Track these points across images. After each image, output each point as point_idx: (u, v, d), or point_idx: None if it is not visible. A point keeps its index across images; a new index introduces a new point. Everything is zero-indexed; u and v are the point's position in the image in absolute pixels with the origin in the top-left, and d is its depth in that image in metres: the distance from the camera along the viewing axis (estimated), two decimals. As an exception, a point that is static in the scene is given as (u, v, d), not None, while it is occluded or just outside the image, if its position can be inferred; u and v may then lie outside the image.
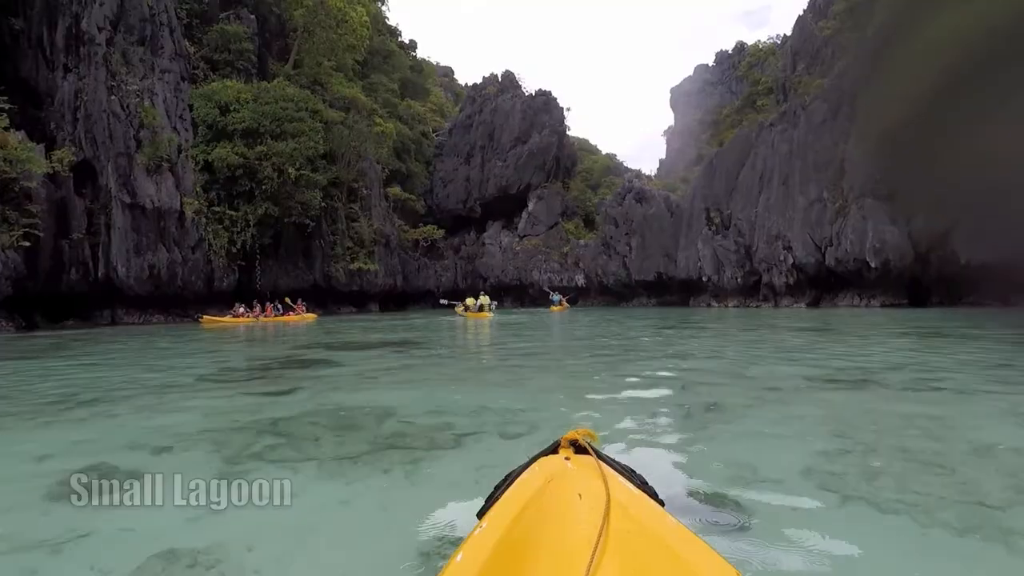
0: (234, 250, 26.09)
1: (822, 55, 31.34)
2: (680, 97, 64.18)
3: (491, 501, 1.30)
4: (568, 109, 45.56)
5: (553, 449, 1.43)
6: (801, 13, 36.30)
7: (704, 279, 28.58)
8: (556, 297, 34.62)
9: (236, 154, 25.02)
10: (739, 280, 27.32)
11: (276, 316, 26.06)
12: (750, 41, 58.72)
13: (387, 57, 59.63)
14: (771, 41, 53.63)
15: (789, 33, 41.55)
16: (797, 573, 1.80)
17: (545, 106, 43.30)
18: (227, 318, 23.70)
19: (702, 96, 59.12)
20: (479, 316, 23.13)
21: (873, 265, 21.59)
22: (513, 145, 42.50)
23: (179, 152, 24.76)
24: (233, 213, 25.96)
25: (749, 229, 26.44)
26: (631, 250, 33.14)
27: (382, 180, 40.34)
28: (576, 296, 38.65)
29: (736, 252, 27.21)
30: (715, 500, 2.36)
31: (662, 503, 1.31)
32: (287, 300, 26.82)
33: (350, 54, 41.84)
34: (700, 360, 7.88)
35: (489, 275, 42.62)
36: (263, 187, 26.02)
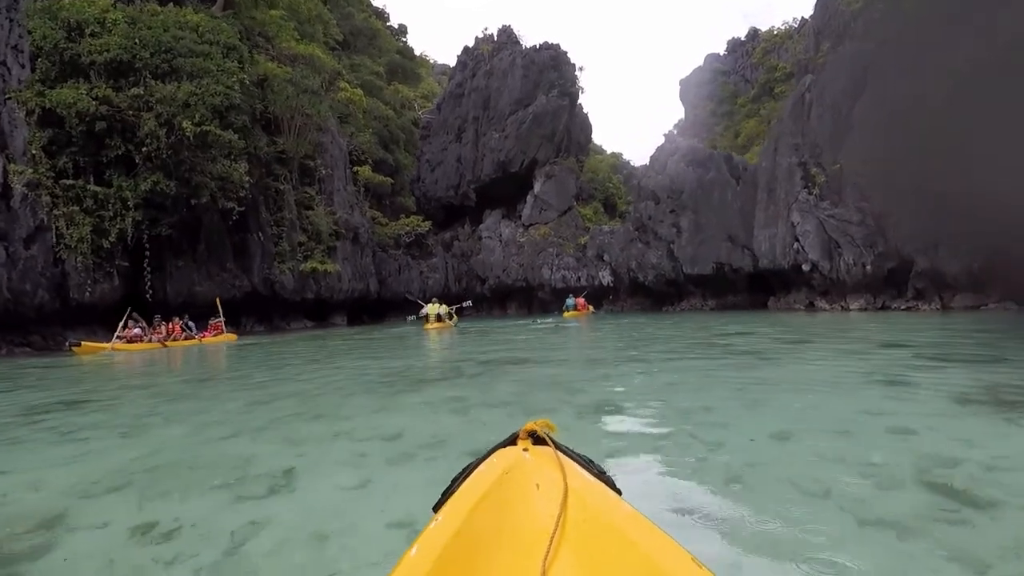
0: (106, 244, 17.67)
1: (851, 31, 24.30)
2: (690, 89, 58.09)
3: (447, 494, 1.23)
4: (581, 68, 36.91)
5: (512, 440, 1.37)
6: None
7: (805, 267, 19.41)
8: (571, 301, 26.14)
9: (93, 98, 16.61)
10: (867, 267, 18.39)
11: (188, 338, 18.23)
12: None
13: (372, 38, 52.48)
14: (787, 26, 48.35)
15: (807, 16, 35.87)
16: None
17: (552, 62, 34.61)
18: (113, 344, 15.72)
19: (714, 86, 53.14)
20: (437, 327, 20.05)
21: None
22: (513, 110, 33.86)
23: (2, 96, 16.40)
24: (99, 189, 17.58)
25: (882, 188, 17.22)
26: (679, 233, 24.03)
27: (348, 158, 31.93)
28: (596, 296, 29.81)
29: (861, 225, 18.12)
30: None
31: (619, 492, 1.26)
32: (181, 319, 18.80)
33: (304, 5, 33.68)
34: None
35: (488, 275, 34.02)
36: (144, 150, 17.62)
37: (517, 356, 8.80)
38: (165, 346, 17.44)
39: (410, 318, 23.17)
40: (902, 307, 17.23)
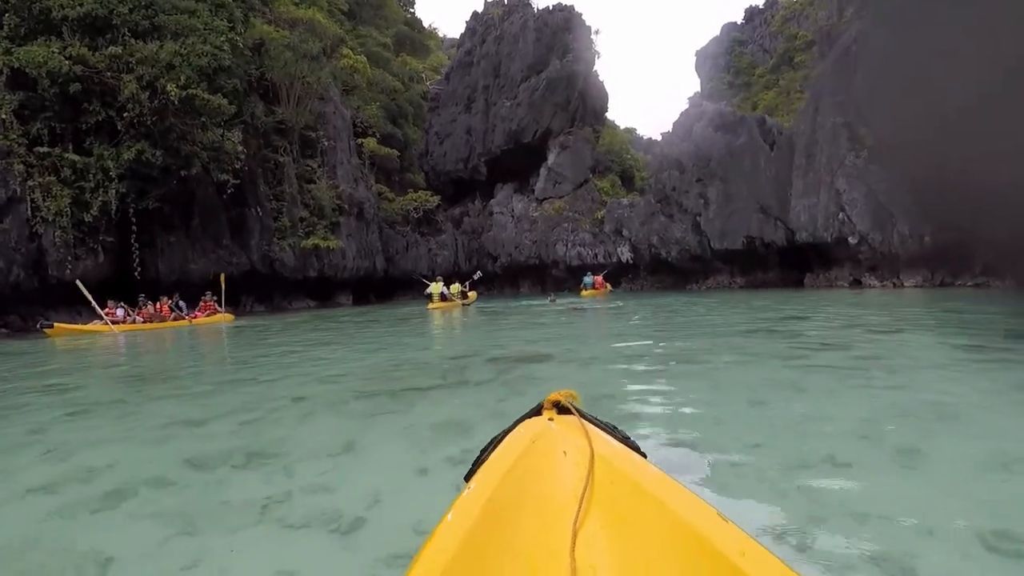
0: (88, 218, 16.43)
1: (875, -6, 22.21)
2: (706, 60, 55.48)
3: (477, 464, 1.24)
4: (597, 31, 34.63)
5: (536, 411, 1.38)
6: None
7: (851, 240, 17.54)
8: (589, 279, 24.99)
9: (67, 57, 15.13)
10: (925, 239, 16.51)
11: (178, 319, 17.21)
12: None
13: (378, 8, 50.65)
14: (807, -7, 46.04)
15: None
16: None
17: (566, 24, 32.40)
18: (92, 325, 14.56)
19: (731, 57, 50.79)
20: (442, 306, 20.24)
21: None
22: (526, 76, 31.83)
23: (-33, 55, 15.00)
24: (78, 158, 16.25)
25: (941, 151, 15.05)
26: (707, 205, 22.05)
27: (352, 129, 30.31)
28: (614, 274, 28.11)
29: (921, 192, 16.24)
30: None
31: (644, 455, 1.25)
32: (171, 299, 17.77)
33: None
34: None
35: (499, 252, 32.48)
36: (126, 115, 16.19)
37: (535, 351, 7.32)
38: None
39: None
40: (969, 283, 15.39)
